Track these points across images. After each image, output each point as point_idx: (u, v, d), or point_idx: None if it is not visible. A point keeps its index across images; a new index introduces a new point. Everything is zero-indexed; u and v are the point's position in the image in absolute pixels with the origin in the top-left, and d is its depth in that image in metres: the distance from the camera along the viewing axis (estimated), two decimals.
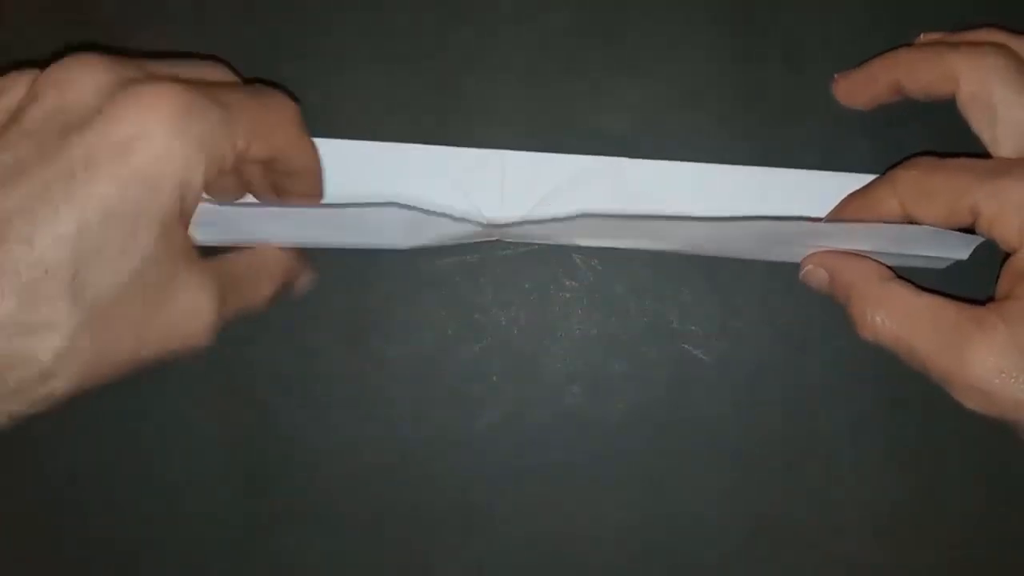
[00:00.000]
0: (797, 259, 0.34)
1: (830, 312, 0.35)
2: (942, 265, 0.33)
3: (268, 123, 0.28)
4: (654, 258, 0.36)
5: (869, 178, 0.34)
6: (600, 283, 0.36)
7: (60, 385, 0.25)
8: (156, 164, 0.25)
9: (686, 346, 0.36)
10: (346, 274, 0.36)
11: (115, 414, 0.36)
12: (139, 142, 0.24)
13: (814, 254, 0.33)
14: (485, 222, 0.32)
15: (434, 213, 0.31)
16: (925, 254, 0.32)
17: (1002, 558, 0.36)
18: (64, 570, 0.36)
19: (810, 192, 0.34)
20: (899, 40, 0.35)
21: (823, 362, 0.36)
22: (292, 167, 0.30)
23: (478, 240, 0.34)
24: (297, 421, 0.36)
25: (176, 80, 0.26)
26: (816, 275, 0.33)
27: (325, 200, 0.33)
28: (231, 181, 0.32)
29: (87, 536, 0.36)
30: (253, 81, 0.31)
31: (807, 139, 0.36)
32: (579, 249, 0.36)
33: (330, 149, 0.33)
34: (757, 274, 0.36)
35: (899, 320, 0.29)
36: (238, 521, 0.36)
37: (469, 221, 0.32)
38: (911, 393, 0.36)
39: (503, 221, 0.33)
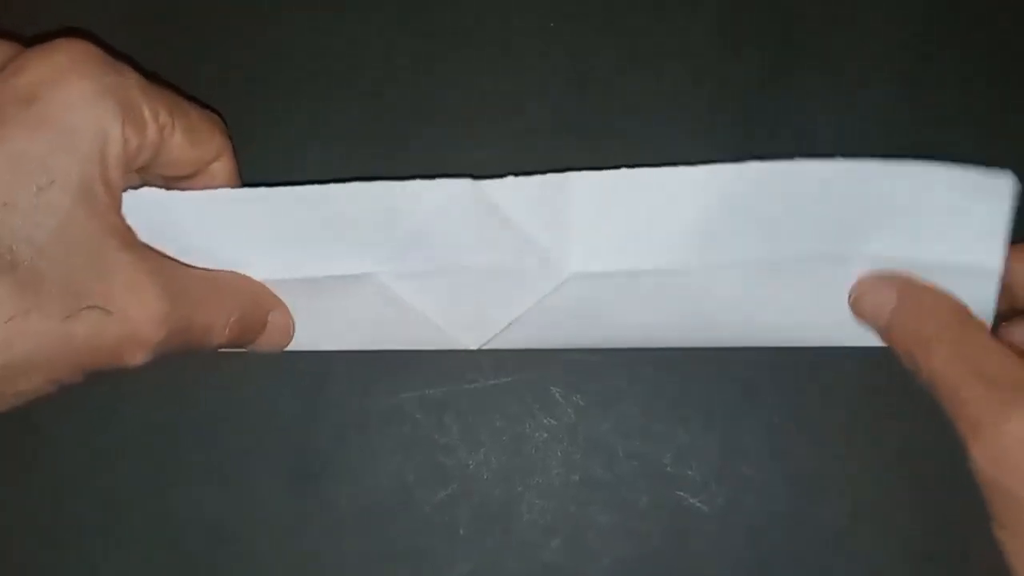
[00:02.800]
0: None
1: (847, 454, 0.33)
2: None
3: (195, 120, 0.28)
4: (644, 393, 0.34)
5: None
6: (582, 421, 0.34)
7: None
8: (66, 110, 0.24)
9: (682, 493, 0.33)
10: (291, 406, 0.34)
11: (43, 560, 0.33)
12: (45, 89, 0.24)
13: (870, 276, 0.29)
14: (472, 190, 0.28)
15: (409, 183, 0.28)
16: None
17: None
18: None
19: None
20: (918, 123, 0.34)
21: (839, 512, 0.33)
22: (216, 185, 0.30)
23: (467, 229, 0.29)
24: None
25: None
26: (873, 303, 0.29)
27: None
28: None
29: None
30: None
31: None
32: (558, 382, 0.34)
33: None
34: (763, 408, 0.33)
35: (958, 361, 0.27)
36: None
37: (454, 191, 0.28)
38: (937, 548, 0.33)
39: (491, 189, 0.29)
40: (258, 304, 0.30)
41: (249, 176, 0.33)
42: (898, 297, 0.29)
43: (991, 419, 0.25)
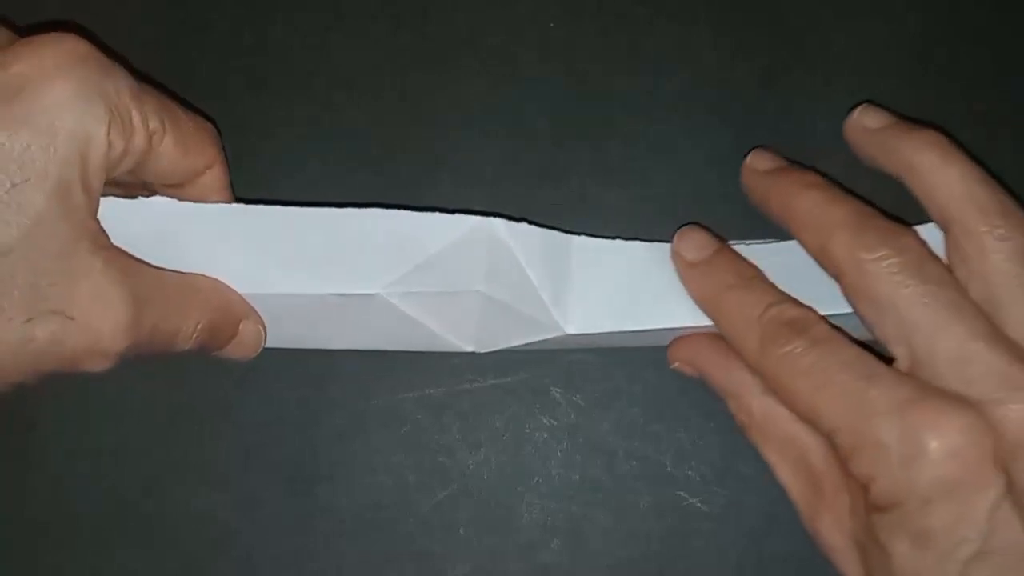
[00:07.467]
0: None
1: None
2: None
3: (188, 128, 0.27)
4: (644, 393, 0.33)
5: None
6: (582, 421, 0.33)
7: None
8: (49, 109, 0.24)
9: (682, 493, 0.33)
10: (291, 406, 0.33)
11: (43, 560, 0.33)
12: (30, 85, 0.24)
13: (677, 347, 0.30)
14: (486, 228, 0.28)
15: (422, 216, 0.27)
16: None
17: None
18: None
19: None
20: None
21: None
22: (207, 195, 0.29)
23: (481, 265, 0.28)
24: None
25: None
26: (688, 372, 0.31)
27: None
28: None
29: None
30: None
31: None
32: (558, 382, 0.33)
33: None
34: None
35: (773, 450, 0.29)
36: None
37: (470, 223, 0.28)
38: None
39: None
40: (229, 312, 0.28)
41: (247, 180, 0.32)
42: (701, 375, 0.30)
43: (810, 522, 0.28)
